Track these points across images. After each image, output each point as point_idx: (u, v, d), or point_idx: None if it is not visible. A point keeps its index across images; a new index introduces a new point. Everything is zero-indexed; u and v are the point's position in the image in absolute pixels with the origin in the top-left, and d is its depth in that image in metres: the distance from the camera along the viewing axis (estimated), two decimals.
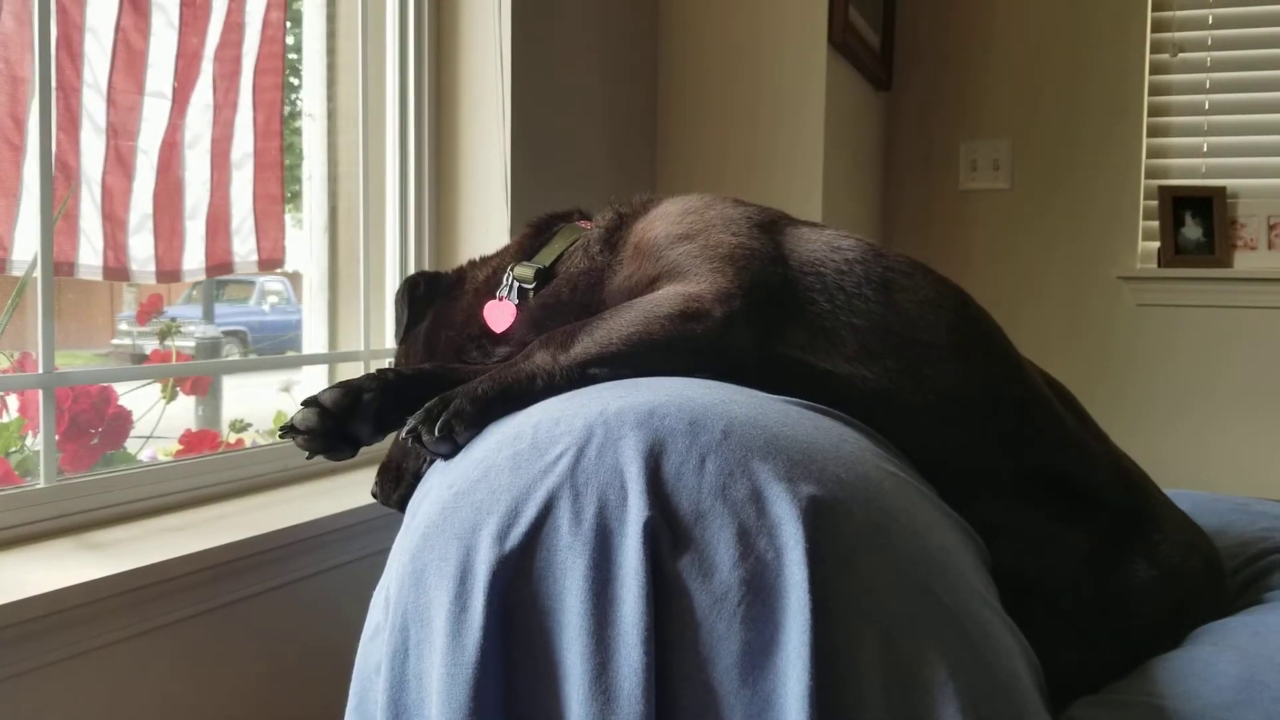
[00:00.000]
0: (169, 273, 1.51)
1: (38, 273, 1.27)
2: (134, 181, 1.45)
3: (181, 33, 1.49)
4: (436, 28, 1.88)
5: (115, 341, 1.87)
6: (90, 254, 1.40)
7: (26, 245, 1.31)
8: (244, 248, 1.63)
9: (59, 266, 1.36)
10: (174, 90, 1.49)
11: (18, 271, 1.31)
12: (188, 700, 1.24)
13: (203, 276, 1.59)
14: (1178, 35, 2.92)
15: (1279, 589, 1.16)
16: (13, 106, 1.28)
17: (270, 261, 1.69)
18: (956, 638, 0.77)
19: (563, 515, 0.77)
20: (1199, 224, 2.87)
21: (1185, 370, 2.91)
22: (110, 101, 1.41)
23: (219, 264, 1.60)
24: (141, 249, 1.47)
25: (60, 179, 1.35)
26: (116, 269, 1.44)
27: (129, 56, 1.43)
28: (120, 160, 1.43)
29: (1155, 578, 1.04)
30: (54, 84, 1.31)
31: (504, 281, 1.17)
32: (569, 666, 0.74)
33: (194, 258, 1.56)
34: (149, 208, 1.47)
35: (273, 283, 2.90)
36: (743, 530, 0.75)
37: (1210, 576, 1.12)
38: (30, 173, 1.29)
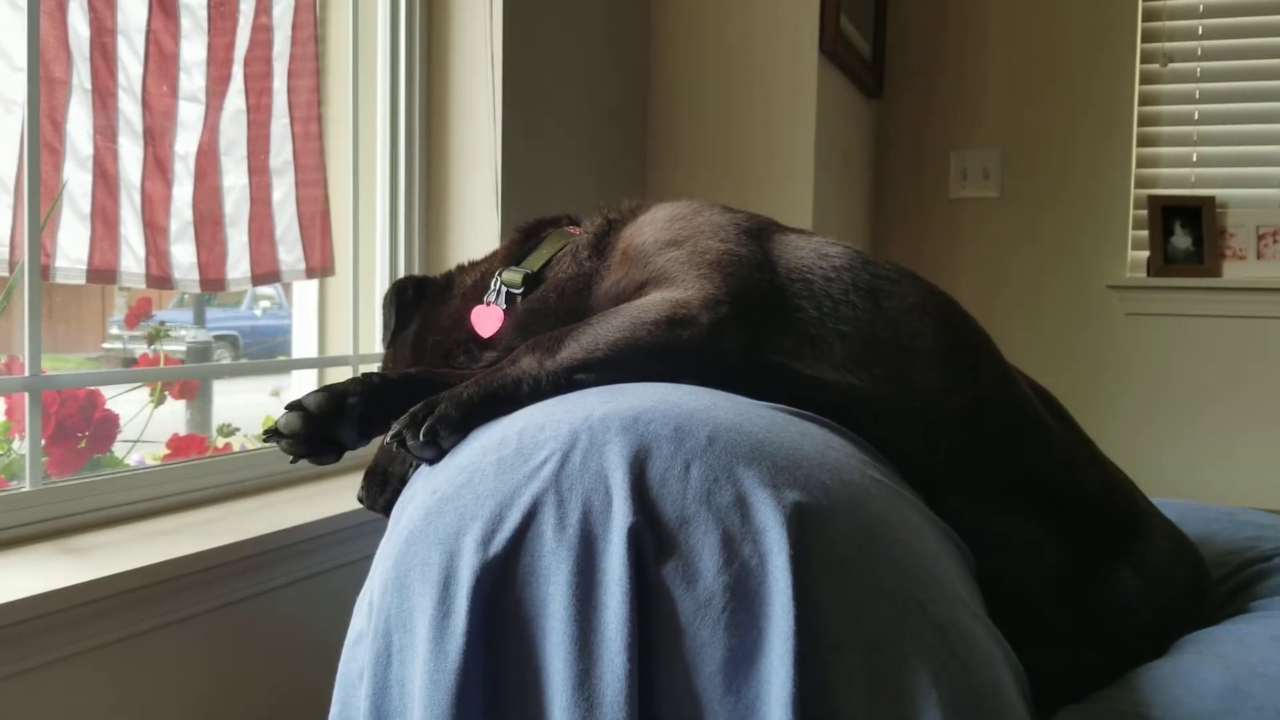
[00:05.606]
0: (213, 281, 1.50)
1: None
2: (173, 188, 1.43)
3: (210, 35, 1.47)
4: (427, 31, 1.88)
5: (106, 345, 1.86)
6: (132, 262, 1.38)
7: (67, 249, 1.30)
8: (290, 256, 1.61)
9: (102, 274, 1.34)
10: (207, 94, 1.47)
11: (61, 279, 1.30)
12: (173, 704, 1.24)
13: (248, 286, 1.57)
14: (1168, 45, 2.94)
15: (1264, 598, 1.16)
16: (50, 109, 1.26)
17: (319, 269, 1.66)
18: (940, 645, 0.77)
19: (547, 521, 0.77)
20: (1188, 233, 2.88)
21: (1174, 379, 2.92)
22: (145, 106, 1.39)
23: (265, 273, 1.57)
24: (184, 257, 1.45)
25: (100, 185, 1.33)
26: (160, 277, 1.42)
27: (161, 60, 1.40)
28: (159, 165, 1.40)
29: (1141, 586, 1.04)
30: (89, 87, 1.29)
31: (492, 286, 1.17)
32: (552, 672, 0.74)
33: (238, 266, 1.54)
34: (189, 215, 1.45)
35: (264, 287, 2.89)
36: (727, 536, 0.75)
37: (1196, 585, 1.12)
38: (71, 176, 1.27)
